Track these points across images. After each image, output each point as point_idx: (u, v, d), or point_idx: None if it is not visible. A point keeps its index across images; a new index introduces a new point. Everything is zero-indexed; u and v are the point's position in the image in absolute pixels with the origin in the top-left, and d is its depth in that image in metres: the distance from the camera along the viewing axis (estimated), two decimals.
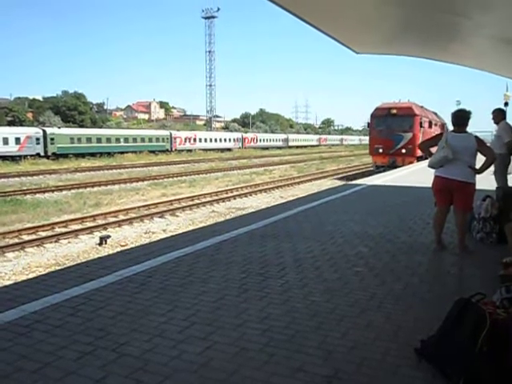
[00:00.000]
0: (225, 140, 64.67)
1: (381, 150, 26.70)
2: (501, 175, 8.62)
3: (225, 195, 19.79)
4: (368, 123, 28.96)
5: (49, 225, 13.16)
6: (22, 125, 55.13)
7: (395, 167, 23.77)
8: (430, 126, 30.14)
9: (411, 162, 25.52)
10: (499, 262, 4.56)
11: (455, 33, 10.02)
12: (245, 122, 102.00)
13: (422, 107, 30.17)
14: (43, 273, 7.35)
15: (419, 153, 25.22)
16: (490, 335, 2.51)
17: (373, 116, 27.79)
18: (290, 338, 3.17)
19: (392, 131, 26.29)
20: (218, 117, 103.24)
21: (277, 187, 23.04)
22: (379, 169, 25.74)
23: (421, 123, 26.36)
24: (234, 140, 66.53)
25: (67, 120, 67.15)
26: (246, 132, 78.10)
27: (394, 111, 26.48)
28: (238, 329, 3.31)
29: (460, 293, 3.55)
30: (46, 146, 41.92)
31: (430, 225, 6.56)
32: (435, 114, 36.22)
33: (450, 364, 2.61)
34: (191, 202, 17.76)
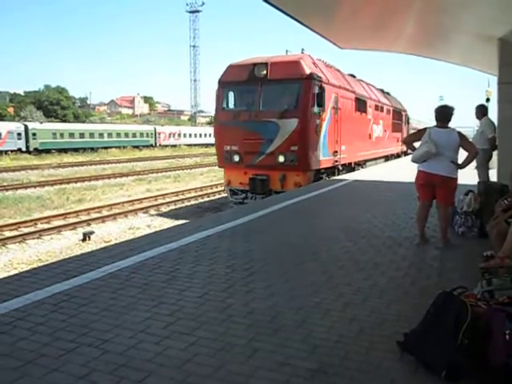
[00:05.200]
0: (210, 135, 64.31)
1: (237, 158, 13.20)
2: (483, 170, 8.75)
3: (210, 190, 19.74)
4: (217, 97, 14.09)
5: (31, 221, 12.99)
6: (2, 120, 54.22)
7: (267, 194, 12.50)
8: (363, 110, 17.81)
9: (299, 184, 12.49)
10: (480, 255, 4.63)
11: (438, 30, 10.12)
12: None
13: (339, 72, 16.49)
14: (25, 269, 7.25)
15: (324, 162, 13.75)
16: (471, 328, 2.54)
17: (222, 83, 13.90)
18: (274, 332, 3.17)
19: (257, 115, 12.85)
20: (202, 112, 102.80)
21: None
22: (237, 196, 13.63)
23: (319, 96, 12.80)
24: None
25: (49, 115, 66.26)
26: None
27: (264, 71, 12.90)
28: (222, 324, 3.30)
29: (442, 286, 3.59)
30: (27, 141, 41.34)
31: (413, 219, 6.63)
32: (384, 92, 24.07)
33: (433, 357, 2.64)
34: (176, 198, 17.69)
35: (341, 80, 15.90)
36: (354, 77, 18.93)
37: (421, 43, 12.23)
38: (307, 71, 12.75)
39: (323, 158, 13.68)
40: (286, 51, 14.83)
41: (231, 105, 14.05)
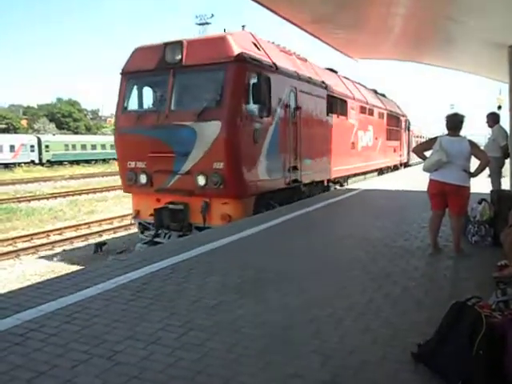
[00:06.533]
0: None
1: (144, 179, 9.65)
2: (496, 178, 8.67)
3: None
4: (119, 93, 10.23)
5: (43, 232, 13.12)
6: (16, 132, 55.07)
7: (186, 230, 9.23)
8: (341, 111, 13.91)
9: (227, 217, 8.81)
10: (494, 264, 4.57)
11: (449, 38, 10.12)
12: None
13: (306, 62, 12.46)
14: (38, 280, 7.30)
15: (270, 183, 9.74)
16: (487, 338, 2.51)
17: (125, 74, 10.03)
18: (287, 343, 3.15)
19: (168, 117, 9.09)
20: None
21: None
22: (149, 232, 9.91)
23: (259, 87, 8.84)
24: None
25: (62, 127, 67.23)
26: None
27: (178, 55, 9.14)
28: (234, 335, 3.29)
29: (456, 296, 3.54)
30: (40, 153, 41.93)
31: (425, 229, 6.58)
32: (377, 93, 20.15)
33: (447, 368, 2.60)
34: None
35: (303, 70, 11.55)
36: (335, 72, 15.12)
37: (432, 52, 12.24)
38: (236, 51, 8.73)
39: (268, 177, 9.64)
40: (224, 30, 9.96)
41: (136, 104, 10.09)
